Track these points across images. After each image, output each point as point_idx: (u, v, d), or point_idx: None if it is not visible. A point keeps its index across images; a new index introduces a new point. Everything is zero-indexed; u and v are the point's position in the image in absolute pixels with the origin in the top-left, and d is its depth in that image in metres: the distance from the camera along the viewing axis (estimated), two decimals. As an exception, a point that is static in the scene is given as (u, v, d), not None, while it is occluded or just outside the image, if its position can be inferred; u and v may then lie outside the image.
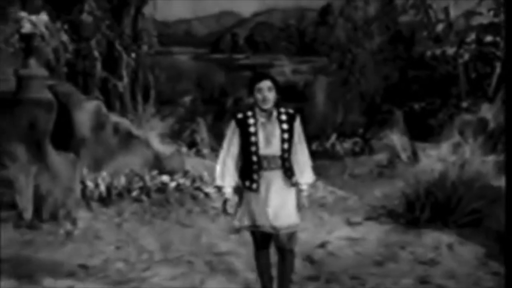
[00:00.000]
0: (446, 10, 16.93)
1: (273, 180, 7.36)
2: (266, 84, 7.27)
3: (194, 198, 12.77)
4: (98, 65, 13.41)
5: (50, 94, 12.00)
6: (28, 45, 11.78)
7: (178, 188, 12.72)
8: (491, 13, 15.38)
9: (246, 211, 7.45)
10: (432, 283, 9.38)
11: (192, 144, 15.61)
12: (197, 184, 12.82)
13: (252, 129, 7.34)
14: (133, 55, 14.41)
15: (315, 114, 19.73)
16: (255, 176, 7.35)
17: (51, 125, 11.89)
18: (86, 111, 12.83)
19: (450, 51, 16.35)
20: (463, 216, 11.57)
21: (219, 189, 7.57)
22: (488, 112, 14.26)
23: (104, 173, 12.45)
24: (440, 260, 10.35)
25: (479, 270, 9.93)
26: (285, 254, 7.52)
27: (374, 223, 12.15)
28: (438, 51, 16.48)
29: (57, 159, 11.89)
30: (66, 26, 12.56)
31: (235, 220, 7.56)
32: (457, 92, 16.08)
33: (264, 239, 7.61)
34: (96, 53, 13.21)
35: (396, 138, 14.98)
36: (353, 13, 19.80)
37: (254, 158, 7.35)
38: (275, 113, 7.37)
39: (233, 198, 7.49)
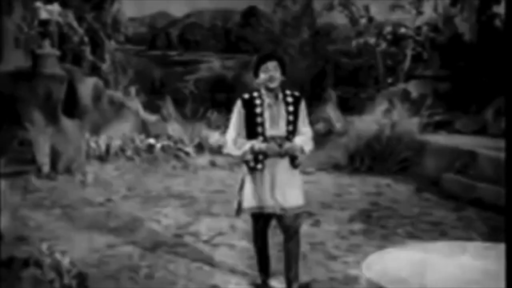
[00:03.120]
0: (366, 7, 20.08)
1: (279, 161, 7.41)
2: (272, 63, 7.33)
3: (176, 156, 15.46)
4: (88, 50, 15.94)
5: (61, 70, 14.53)
6: (45, 29, 14.29)
7: (163, 148, 15.37)
8: (412, 6, 18.54)
9: (252, 192, 7.53)
10: (381, 205, 12.38)
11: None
12: (179, 145, 15.50)
13: (258, 110, 7.35)
14: (112, 42, 17.01)
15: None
16: (260, 157, 7.36)
17: (62, 95, 14.38)
18: (87, 85, 15.30)
19: (371, 40, 19.45)
20: (395, 164, 14.67)
21: (245, 159, 7.47)
22: (410, 85, 17.53)
23: (102, 137, 15.01)
24: (383, 192, 13.40)
25: (413, 198, 13.04)
26: (292, 234, 7.57)
27: (324, 173, 15.02)
28: (361, 40, 19.53)
29: (67, 123, 14.36)
30: (71, 14, 15.07)
31: (243, 202, 7.69)
32: (376, 74, 19.21)
33: (265, 221, 7.73)
34: (86, 40, 15.72)
35: (331, 111, 17.94)
36: (284, 11, 22.47)
37: (260, 139, 7.34)
38: (281, 95, 7.42)
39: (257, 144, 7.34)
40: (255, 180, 7.48)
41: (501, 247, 7.22)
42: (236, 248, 9.81)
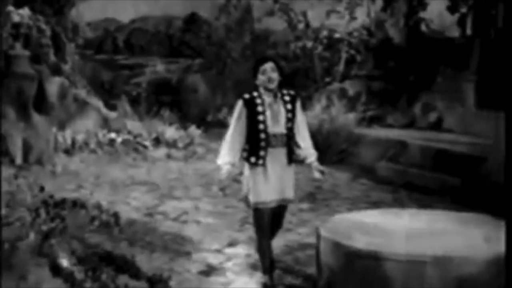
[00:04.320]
0: (304, 13, 21.44)
1: (278, 157, 7.62)
2: (269, 65, 7.58)
3: (136, 150, 16.61)
4: (51, 51, 17.01)
5: (31, 69, 15.60)
6: (16, 31, 15.35)
7: (123, 142, 16.48)
8: (346, 11, 19.95)
9: (259, 187, 7.66)
10: (324, 189, 13.73)
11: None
12: (138, 139, 16.65)
13: (260, 109, 7.53)
14: (72, 45, 18.10)
15: (195, 100, 23.18)
16: (261, 153, 7.55)
17: (33, 93, 15.46)
18: (54, 84, 16.38)
19: (309, 44, 20.78)
20: (334, 155, 16.02)
21: (248, 159, 7.69)
22: (347, 84, 18.97)
23: (68, 131, 16.08)
24: (326, 179, 14.69)
25: (352, 183, 14.44)
26: (281, 221, 8.02)
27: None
28: (299, 44, 20.85)
29: (37, 118, 15.42)
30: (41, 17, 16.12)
31: (249, 196, 7.75)
32: (314, 75, 20.51)
33: (268, 216, 7.80)
34: (49, 42, 16.79)
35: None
36: (227, 17, 23.63)
37: (262, 136, 7.55)
38: (279, 94, 7.64)
39: (229, 177, 7.72)
40: (257, 176, 7.65)
41: (432, 212, 8.66)
42: (201, 223, 11.02)
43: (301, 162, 7.97)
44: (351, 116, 16.68)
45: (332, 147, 15.83)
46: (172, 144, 16.77)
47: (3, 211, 6.71)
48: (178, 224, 11.00)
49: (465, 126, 15.94)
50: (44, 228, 6.43)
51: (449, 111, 16.89)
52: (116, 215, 8.33)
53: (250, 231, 9.65)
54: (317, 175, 8.00)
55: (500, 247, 6.82)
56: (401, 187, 13.57)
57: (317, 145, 8.17)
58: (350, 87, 18.75)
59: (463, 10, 18.09)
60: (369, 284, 7.06)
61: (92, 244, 7.55)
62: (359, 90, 18.46)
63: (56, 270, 5.79)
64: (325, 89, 19.06)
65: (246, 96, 7.66)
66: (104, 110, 17.46)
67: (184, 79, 24.34)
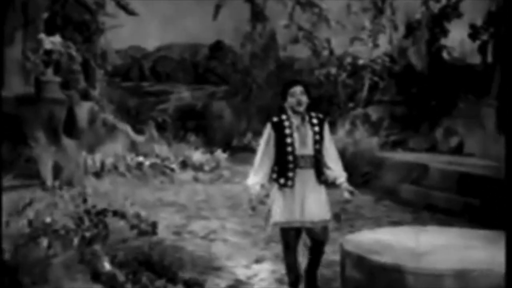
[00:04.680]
0: (328, 40, 21.85)
1: (307, 178, 7.71)
2: (299, 88, 7.73)
3: (163, 173, 16.96)
4: (81, 77, 17.49)
5: (62, 94, 16.05)
6: (48, 58, 15.83)
7: (151, 166, 16.85)
8: (369, 39, 20.34)
9: (283, 208, 7.75)
10: (348, 210, 13.94)
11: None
12: (165, 162, 17.02)
13: (287, 131, 7.66)
14: (101, 71, 18.57)
15: (221, 126, 23.58)
16: (290, 174, 7.68)
17: (63, 117, 15.90)
18: (84, 109, 16.87)
19: (333, 70, 21.17)
20: (358, 177, 16.28)
21: (277, 181, 7.79)
22: (370, 109, 19.31)
23: (97, 155, 16.48)
24: (353, 199, 15.01)
25: (374, 205, 14.70)
26: (320, 245, 7.95)
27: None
28: (324, 71, 21.24)
29: (67, 142, 15.86)
30: (72, 44, 16.63)
31: (272, 217, 7.85)
32: (338, 101, 20.87)
33: (295, 235, 7.90)
34: (79, 69, 17.26)
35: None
36: (252, 44, 24.09)
37: (290, 158, 7.68)
38: (307, 117, 7.74)
39: (258, 197, 7.81)
40: (285, 196, 7.75)
41: (453, 230, 8.91)
42: (228, 241, 11.30)
43: (331, 184, 8.03)
44: (374, 140, 17.04)
45: (355, 170, 16.06)
46: (198, 168, 17.15)
47: (48, 219, 7.06)
48: (206, 242, 11.28)
49: (486, 150, 16.18)
50: (88, 234, 6.77)
51: (470, 136, 17.16)
52: (154, 224, 8.70)
53: (275, 249, 9.98)
54: (346, 195, 8.03)
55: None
56: (423, 209, 13.84)
57: None
58: (373, 112, 19.13)
59: (484, 37, 18.37)
60: (392, 296, 7.30)
61: (132, 250, 7.89)
62: (382, 115, 18.84)
63: (96, 276, 6.09)
64: (348, 114, 19.43)
65: (275, 119, 7.79)
66: (132, 134, 17.90)
67: (209, 105, 24.66)
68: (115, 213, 8.02)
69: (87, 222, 7.30)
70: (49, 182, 15.12)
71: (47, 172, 15.15)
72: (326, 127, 7.95)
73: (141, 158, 16.77)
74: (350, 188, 8.01)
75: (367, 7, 20.74)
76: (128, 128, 18.01)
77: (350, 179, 15.43)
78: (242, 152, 20.38)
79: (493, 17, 17.85)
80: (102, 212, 7.87)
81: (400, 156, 16.88)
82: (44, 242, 6.68)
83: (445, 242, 8.14)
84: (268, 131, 7.80)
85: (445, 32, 19.48)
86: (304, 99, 7.73)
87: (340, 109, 20.47)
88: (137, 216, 8.51)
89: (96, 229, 7.15)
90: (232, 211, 13.68)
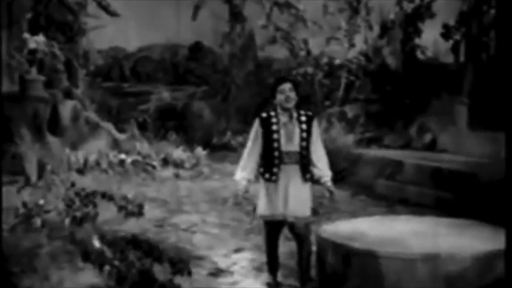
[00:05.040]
0: (305, 41, 22.28)
1: (292, 174, 7.91)
2: (287, 85, 7.91)
3: (145, 170, 17.27)
4: (64, 76, 17.79)
5: (46, 93, 16.37)
6: (33, 57, 16.14)
7: (133, 163, 17.13)
8: (345, 39, 20.80)
9: (266, 201, 7.99)
10: (325, 204, 14.28)
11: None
12: (147, 160, 17.33)
13: (274, 127, 7.86)
14: (83, 71, 18.90)
15: (200, 125, 23.82)
16: (275, 169, 7.86)
17: (47, 115, 16.20)
18: (67, 107, 17.15)
19: (310, 70, 21.55)
20: (334, 174, 16.64)
21: (263, 175, 7.99)
22: (346, 107, 19.74)
23: (80, 152, 16.79)
24: (326, 196, 15.38)
25: (350, 199, 15.08)
26: (304, 241, 8.10)
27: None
28: (301, 71, 21.61)
29: (51, 139, 16.18)
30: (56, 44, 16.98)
31: (257, 209, 8.12)
32: (315, 100, 21.23)
33: (277, 228, 8.17)
34: (63, 68, 17.57)
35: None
36: (231, 45, 24.44)
37: (276, 153, 7.86)
38: (295, 114, 7.92)
39: (245, 191, 8.08)
40: (269, 190, 7.97)
41: (424, 218, 9.31)
42: (209, 233, 11.64)
43: (315, 181, 8.31)
44: (350, 137, 17.42)
45: (332, 167, 16.35)
46: (179, 165, 17.44)
47: (41, 201, 7.41)
48: (187, 234, 11.59)
49: (458, 146, 16.62)
50: (78, 214, 7.13)
51: (443, 132, 17.59)
52: (140, 206, 9.06)
53: (254, 240, 10.40)
54: (327, 194, 8.36)
55: (485, 246, 7.49)
56: (397, 202, 14.18)
57: None
58: (349, 110, 19.54)
59: (457, 37, 18.81)
60: (366, 280, 7.67)
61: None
62: (358, 113, 19.25)
63: (86, 256, 6.43)
64: (325, 112, 19.79)
65: (263, 115, 8.03)
66: (114, 132, 18.19)
67: (189, 105, 24.83)
68: (104, 195, 8.40)
69: (77, 203, 7.65)
70: (33, 178, 15.42)
71: (32, 168, 15.41)
72: (315, 125, 8.11)
73: (123, 156, 17.03)
74: (332, 188, 8.30)
75: (342, 7, 21.14)
76: (110, 126, 18.32)
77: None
78: (222, 150, 20.78)
79: (464, 17, 18.29)
80: (92, 194, 8.23)
81: (375, 152, 17.30)
82: (38, 221, 7.02)
83: (416, 229, 8.53)
84: (256, 126, 8.03)
85: (418, 32, 19.94)
86: (293, 96, 7.90)
87: (317, 108, 20.82)
88: (124, 198, 8.90)
89: (86, 208, 7.50)
90: (212, 205, 13.99)
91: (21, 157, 15.36)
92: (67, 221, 6.97)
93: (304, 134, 7.93)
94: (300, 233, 8.08)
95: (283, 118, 7.93)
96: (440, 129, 17.80)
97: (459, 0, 18.64)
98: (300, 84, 21.76)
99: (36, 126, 15.87)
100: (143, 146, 17.84)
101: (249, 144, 8.11)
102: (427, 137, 17.90)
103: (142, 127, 21.22)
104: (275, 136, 7.89)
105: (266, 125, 7.95)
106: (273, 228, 8.19)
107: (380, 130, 18.84)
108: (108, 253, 6.39)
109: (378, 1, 20.70)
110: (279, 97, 7.90)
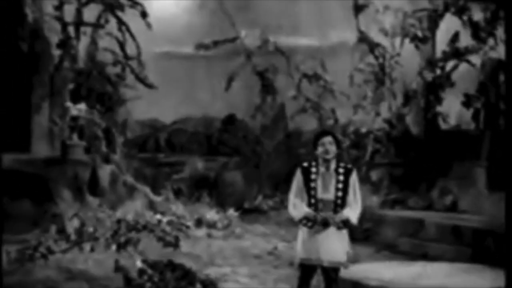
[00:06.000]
0: (333, 110, 23.18)
1: None
2: (327, 139, 8.32)
3: (179, 229, 17.95)
4: (103, 143, 18.73)
5: (86, 157, 17.32)
6: (74, 124, 17.14)
7: (168, 222, 17.85)
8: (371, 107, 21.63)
9: (303, 246, 8.39)
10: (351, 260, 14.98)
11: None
12: (181, 220, 18.04)
13: (313, 176, 8.29)
14: (121, 138, 19.86)
15: (233, 192, 24.53)
16: (311, 220, 8.25)
17: (87, 178, 17.10)
18: (105, 171, 18.06)
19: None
20: (360, 233, 17.29)
21: (300, 221, 8.31)
22: (372, 171, 20.46)
23: (118, 212, 17.57)
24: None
25: (374, 255, 15.66)
26: (332, 285, 8.47)
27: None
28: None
29: (91, 200, 17.04)
30: (96, 112, 18.02)
31: (298, 252, 8.51)
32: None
33: (310, 272, 8.49)
34: (101, 134, 18.52)
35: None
36: (263, 115, 25.29)
37: (312, 201, 8.26)
38: (333, 166, 8.30)
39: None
40: (306, 236, 8.36)
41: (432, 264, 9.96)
42: (239, 282, 12.40)
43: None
44: (375, 199, 18.02)
45: (357, 226, 17.00)
46: (212, 225, 18.13)
47: (90, 229, 8.18)
48: (219, 282, 12.23)
49: (478, 207, 17.23)
50: (123, 239, 7.86)
51: (464, 195, 18.23)
52: (177, 238, 9.70)
53: (283, 286, 11.03)
54: (335, 220, 8.29)
55: (487, 284, 8.18)
56: (418, 257, 14.69)
57: None
58: (374, 174, 20.21)
59: (477, 105, 19.54)
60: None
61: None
62: (382, 176, 19.93)
63: (128, 281, 7.13)
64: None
65: (305, 164, 8.47)
66: (151, 195, 18.98)
67: (222, 175, 25.55)
68: (144, 227, 9.13)
69: (122, 230, 8.40)
70: (73, 236, 16.20)
71: (71, 227, 16.19)
72: (353, 177, 8.44)
73: (159, 216, 17.76)
74: (339, 224, 8.34)
75: (368, 78, 21.99)
76: (146, 189, 19.14)
77: (352, 235, 16.50)
78: (253, 213, 21.50)
79: (484, 87, 19.06)
80: (134, 225, 8.97)
81: (399, 213, 17.94)
82: (87, 246, 7.77)
83: (427, 271, 9.21)
84: (297, 174, 8.47)
85: (439, 100, 20.72)
86: (332, 148, 8.30)
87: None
88: (163, 231, 9.64)
89: (130, 233, 8.23)
90: (242, 260, 14.67)
91: (61, 216, 16.14)
92: (113, 247, 7.65)
93: (340, 185, 8.29)
94: (331, 277, 8.44)
95: (322, 168, 8.33)
96: (460, 191, 18.43)
97: (477, 70, 19.44)
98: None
99: (77, 187, 16.71)
100: (178, 207, 18.56)
101: (293, 189, 8.52)
102: (448, 199, 18.51)
103: (177, 193, 21.97)
104: (312, 184, 8.31)
105: (305, 173, 8.38)
106: (307, 272, 8.51)
107: (403, 192, 19.46)
108: (149, 271, 7.06)
109: (401, 71, 21.54)
110: (320, 149, 8.32)
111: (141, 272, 7.00)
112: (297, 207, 8.40)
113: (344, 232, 8.48)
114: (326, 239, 8.30)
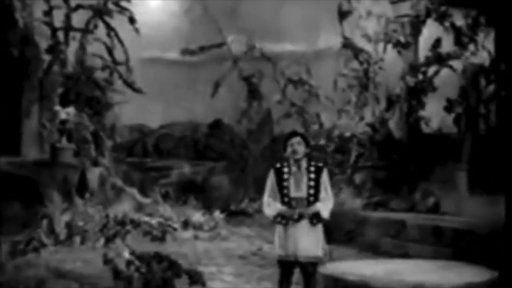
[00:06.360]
0: (318, 115, 23.53)
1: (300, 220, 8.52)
2: (296, 139, 8.62)
3: (166, 231, 18.25)
4: (92, 146, 19.00)
5: (75, 160, 17.60)
6: (63, 127, 17.43)
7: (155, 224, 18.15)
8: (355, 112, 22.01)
9: (280, 243, 8.65)
10: (334, 258, 15.28)
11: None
12: (168, 222, 18.33)
13: (285, 176, 8.57)
14: (109, 142, 20.13)
15: (220, 195, 24.84)
16: (285, 216, 8.53)
17: (76, 180, 17.38)
18: (94, 173, 18.37)
19: (322, 142, 22.67)
20: (342, 234, 17.64)
21: (275, 219, 8.59)
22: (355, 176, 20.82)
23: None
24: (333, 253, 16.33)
25: (356, 255, 15.98)
26: (310, 280, 8.72)
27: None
28: (313, 143, 22.66)
29: (79, 202, 17.31)
30: (85, 116, 18.31)
31: (276, 249, 8.79)
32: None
33: (289, 269, 8.74)
34: (90, 138, 18.80)
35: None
36: (249, 120, 25.63)
37: (286, 199, 8.53)
38: (304, 165, 8.59)
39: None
40: (281, 233, 8.61)
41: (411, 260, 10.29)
42: (224, 280, 12.76)
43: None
44: (358, 201, 18.38)
45: (340, 228, 17.38)
46: (198, 227, 18.43)
47: (80, 223, 8.49)
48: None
49: (459, 209, 17.59)
50: (111, 232, 8.17)
51: (445, 197, 18.59)
52: (163, 232, 9.98)
53: (267, 284, 11.33)
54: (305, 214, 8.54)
55: (466, 279, 8.52)
56: (399, 256, 15.01)
57: (326, 226, 9.04)
58: (357, 176, 20.56)
59: (458, 110, 19.91)
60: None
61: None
62: (365, 179, 20.28)
63: (116, 274, 7.44)
64: (334, 177, 20.80)
65: (277, 165, 8.75)
66: (139, 197, 19.27)
67: (209, 179, 25.84)
68: (132, 221, 9.44)
69: (111, 224, 8.70)
70: (62, 236, 16.46)
71: (60, 227, 16.46)
72: (324, 175, 8.72)
73: (146, 218, 18.02)
74: (310, 213, 8.55)
75: (352, 83, 22.36)
76: (135, 192, 19.42)
77: (334, 236, 16.87)
78: (239, 216, 21.83)
79: (465, 92, 19.44)
80: (122, 221, 9.27)
81: (381, 214, 18.28)
82: (77, 239, 8.08)
83: (408, 267, 9.54)
84: (271, 175, 8.79)
85: (422, 105, 21.10)
86: (301, 148, 8.60)
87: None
88: (150, 225, 9.95)
89: (118, 226, 8.53)
90: (228, 260, 14.98)
91: (51, 218, 16.40)
92: (102, 240, 7.96)
93: (312, 183, 8.58)
94: (309, 272, 8.69)
95: (294, 168, 8.61)
96: (442, 194, 18.78)
97: (459, 75, 19.84)
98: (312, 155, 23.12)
99: (66, 190, 16.99)
100: (165, 209, 18.84)
101: (267, 189, 8.81)
102: (430, 201, 18.86)
103: (165, 197, 22.22)
104: (285, 183, 8.59)
105: (278, 174, 8.67)
106: (286, 268, 8.75)
107: (386, 195, 19.79)
108: (137, 262, 7.37)
109: (384, 76, 21.92)
110: (289, 149, 8.63)
111: (129, 263, 7.30)
112: (271, 205, 8.66)
113: (319, 227, 8.73)
114: (301, 235, 8.53)
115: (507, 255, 9.69)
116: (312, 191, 8.58)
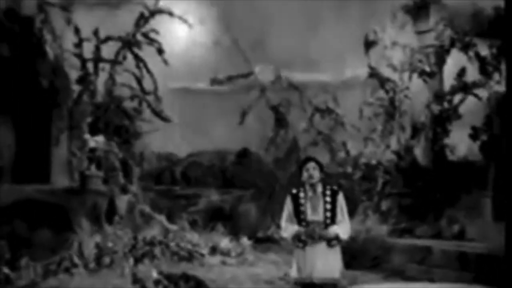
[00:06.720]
0: (344, 143, 23.71)
1: (318, 243, 8.75)
2: (311, 164, 8.86)
3: (193, 256, 18.42)
4: (120, 174, 19.31)
5: (104, 187, 17.91)
6: (92, 155, 17.76)
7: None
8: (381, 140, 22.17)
9: (297, 266, 8.90)
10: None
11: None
12: (196, 248, 18.51)
13: (302, 201, 8.80)
14: (138, 170, 20.44)
15: (247, 222, 25.02)
16: (303, 237, 8.79)
17: (105, 207, 17.67)
18: (123, 200, 18.67)
19: (349, 170, 22.84)
20: (369, 261, 17.76)
21: (293, 241, 8.84)
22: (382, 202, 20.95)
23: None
24: (360, 279, 16.44)
25: (384, 280, 16.06)
26: None
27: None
28: (340, 170, 22.88)
29: (108, 229, 17.58)
30: (115, 144, 18.65)
31: (292, 272, 9.08)
32: (353, 197, 22.34)
33: None
34: (118, 165, 19.11)
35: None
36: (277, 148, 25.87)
37: (303, 223, 8.73)
38: (320, 189, 8.82)
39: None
40: (300, 256, 8.88)
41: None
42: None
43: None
44: (384, 228, 18.49)
45: (366, 254, 17.51)
46: (226, 253, 18.60)
47: (110, 244, 8.74)
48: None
49: (484, 235, 17.63)
50: (140, 252, 8.40)
51: (471, 224, 18.66)
52: (190, 253, 10.21)
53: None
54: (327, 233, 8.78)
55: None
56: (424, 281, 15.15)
57: (353, 252, 9.49)
58: (383, 203, 20.67)
59: (484, 138, 19.99)
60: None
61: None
62: (391, 206, 20.39)
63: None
64: (361, 205, 20.96)
65: (294, 191, 9.06)
66: (167, 224, 19.49)
67: (237, 207, 26.03)
68: (160, 243, 9.66)
69: (140, 244, 8.93)
70: (91, 263, 16.71)
71: (89, 253, 16.72)
72: (339, 198, 8.95)
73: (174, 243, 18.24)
74: (331, 234, 8.80)
75: (378, 112, 22.52)
76: (163, 218, 19.65)
77: (360, 262, 17.01)
78: (266, 243, 21.96)
79: (490, 120, 19.55)
80: (150, 242, 9.48)
81: (407, 241, 18.37)
82: (107, 260, 8.32)
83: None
84: (287, 201, 9.05)
85: (447, 132, 21.21)
86: (316, 173, 8.86)
87: (355, 203, 21.92)
88: (178, 245, 10.17)
89: (147, 247, 8.76)
90: (255, 285, 15.17)
91: (80, 244, 16.66)
92: (131, 261, 8.17)
93: (328, 206, 8.80)
94: None
95: (310, 192, 8.89)
96: (467, 220, 18.86)
97: (484, 103, 19.95)
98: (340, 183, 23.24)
99: (95, 216, 17.27)
100: (193, 236, 19.03)
101: (284, 215, 9.06)
102: (456, 228, 18.94)
103: (192, 224, 22.42)
104: (302, 208, 8.84)
105: (295, 199, 8.96)
106: None
107: (412, 221, 19.89)
108: (165, 282, 7.59)
109: (409, 104, 22.05)
110: (305, 175, 8.91)
111: (157, 282, 7.52)
112: (288, 229, 8.94)
113: (337, 250, 8.91)
114: (319, 257, 8.75)
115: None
116: (328, 214, 8.80)
